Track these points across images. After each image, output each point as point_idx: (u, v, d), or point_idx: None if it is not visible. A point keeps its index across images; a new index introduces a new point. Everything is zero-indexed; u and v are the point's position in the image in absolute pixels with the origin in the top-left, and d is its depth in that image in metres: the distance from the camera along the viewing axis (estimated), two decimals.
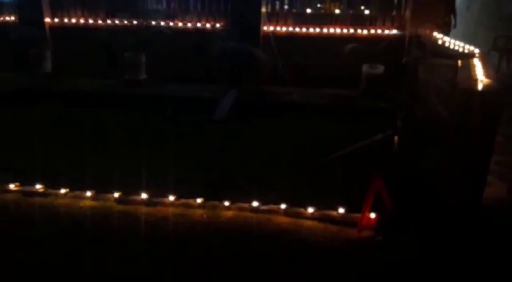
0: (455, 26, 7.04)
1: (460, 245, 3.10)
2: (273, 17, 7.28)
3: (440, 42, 5.73)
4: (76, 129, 5.15)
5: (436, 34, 6.16)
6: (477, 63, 4.16)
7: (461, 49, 5.12)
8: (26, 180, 3.86)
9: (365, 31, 7.03)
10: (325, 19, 7.27)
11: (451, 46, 5.35)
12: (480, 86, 3.44)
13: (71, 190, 3.69)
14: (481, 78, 3.61)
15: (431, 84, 4.18)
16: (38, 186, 3.71)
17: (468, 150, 3.42)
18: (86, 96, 6.19)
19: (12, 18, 7.63)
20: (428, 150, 3.82)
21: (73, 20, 7.49)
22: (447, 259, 3.05)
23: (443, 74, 4.10)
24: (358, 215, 3.31)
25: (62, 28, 7.47)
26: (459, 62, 4.05)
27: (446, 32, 6.46)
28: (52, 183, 3.74)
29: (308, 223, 3.36)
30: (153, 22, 7.34)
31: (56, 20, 7.51)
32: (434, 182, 3.51)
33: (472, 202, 3.42)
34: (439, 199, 3.42)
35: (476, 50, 4.73)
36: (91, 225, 3.44)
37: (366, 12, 7.39)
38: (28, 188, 3.74)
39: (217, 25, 7.29)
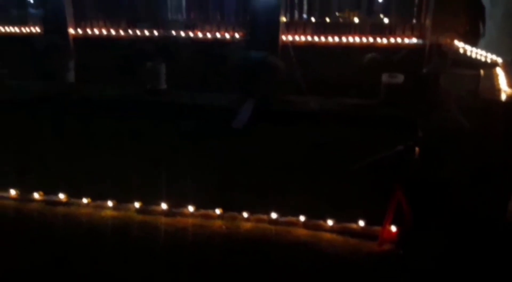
0: (483, 35, 6.86)
1: (483, 261, 3.02)
2: (292, 27, 7.31)
3: (461, 51, 5.66)
4: (99, 137, 5.27)
5: (457, 42, 6.07)
6: (500, 72, 4.09)
7: (483, 59, 5.05)
8: (50, 188, 3.94)
9: (384, 40, 6.98)
10: (344, 28, 7.26)
11: (473, 56, 5.27)
12: (503, 97, 3.38)
13: (93, 199, 3.75)
14: (504, 88, 3.55)
15: (452, 94, 4.12)
16: (61, 196, 3.78)
17: (490, 161, 3.35)
18: (109, 104, 6.35)
19: (37, 29, 7.86)
20: (449, 160, 3.75)
21: (96, 31, 7.67)
22: (469, 275, 2.98)
23: (465, 84, 4.04)
24: (378, 228, 3.27)
25: (85, 38, 7.67)
26: (481, 72, 3.99)
27: (474, 42, 6.25)
28: (75, 192, 3.81)
29: (328, 235, 3.33)
30: (173, 32, 7.46)
31: (79, 31, 7.71)
32: (456, 193, 3.44)
33: (496, 215, 3.34)
34: (461, 211, 3.35)
35: (499, 60, 4.65)
36: (111, 234, 3.49)
37: (386, 20, 7.35)
38: (51, 198, 3.82)
39: (236, 35, 7.36)
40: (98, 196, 3.77)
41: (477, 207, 3.34)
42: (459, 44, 5.98)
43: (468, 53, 5.44)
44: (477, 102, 3.60)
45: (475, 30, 6.51)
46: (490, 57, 4.95)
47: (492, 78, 3.92)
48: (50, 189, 3.91)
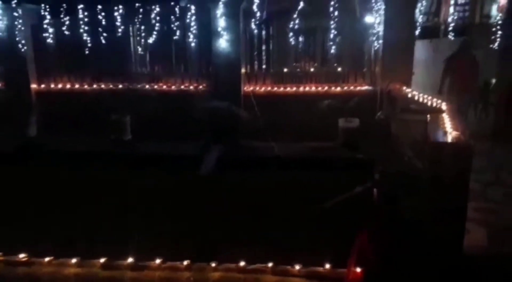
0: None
1: None
2: (253, 78, 7.68)
3: (409, 96, 6.11)
4: (63, 190, 5.16)
5: (405, 88, 6.56)
6: (446, 116, 4.45)
7: (429, 103, 5.48)
8: (10, 247, 3.81)
9: (338, 88, 7.44)
10: (301, 77, 7.70)
11: (421, 100, 5.71)
12: (450, 139, 3.67)
13: (56, 257, 3.65)
14: (449, 131, 3.87)
15: (404, 138, 4.42)
16: (22, 255, 3.67)
17: (444, 200, 3.58)
18: (73, 156, 6.29)
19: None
20: (406, 201, 3.97)
21: (60, 86, 7.71)
22: None
23: (413, 128, 4.36)
24: (344, 270, 3.37)
25: (49, 93, 7.67)
26: (428, 116, 4.33)
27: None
28: (36, 250, 3.70)
29: (296, 280, 3.40)
30: (138, 85, 7.62)
31: (42, 86, 7.72)
32: (414, 232, 3.63)
33: (453, 251, 3.53)
34: (421, 249, 3.52)
35: (443, 105, 5.06)
36: None
37: (339, 69, 7.87)
38: (11, 258, 3.69)
39: (200, 86, 7.62)
40: (62, 253, 3.68)
41: (436, 244, 3.52)
42: (407, 90, 6.47)
43: (416, 99, 5.88)
44: (427, 145, 3.87)
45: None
46: (436, 102, 5.37)
47: (438, 123, 4.24)
48: (9, 249, 3.78)
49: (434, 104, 5.31)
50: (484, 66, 8.75)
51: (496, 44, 7.69)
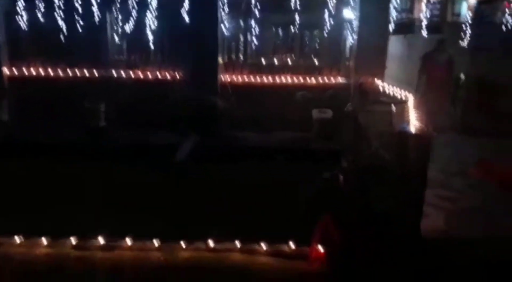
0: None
1: (399, 274, 3.35)
2: (230, 68, 7.76)
3: (381, 89, 6.33)
4: (36, 180, 5.16)
5: (377, 81, 6.78)
6: (410, 108, 4.66)
7: (398, 96, 5.69)
8: None
9: (314, 80, 7.61)
10: (278, 69, 7.83)
11: (390, 93, 5.92)
12: (413, 129, 3.86)
13: (26, 238, 3.69)
14: (413, 122, 4.06)
15: (371, 129, 4.61)
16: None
17: (405, 186, 3.77)
18: (46, 144, 6.26)
19: None
20: (371, 187, 4.16)
21: (33, 72, 7.61)
22: None
23: (380, 119, 4.55)
24: (308, 249, 3.52)
25: (22, 79, 7.56)
26: (393, 108, 4.53)
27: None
28: (6, 232, 3.73)
29: (262, 258, 3.54)
30: (114, 73, 7.58)
31: (15, 72, 7.61)
32: (376, 215, 3.82)
33: (411, 233, 3.73)
34: (382, 231, 3.71)
35: (410, 96, 5.28)
36: (47, 272, 3.44)
37: (316, 62, 8.05)
38: None
39: (177, 75, 7.65)
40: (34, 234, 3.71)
41: (397, 226, 3.71)
42: (379, 83, 6.69)
43: (386, 91, 6.10)
44: (392, 135, 4.05)
45: None
46: (404, 94, 5.59)
47: (403, 114, 4.44)
48: None
49: (401, 97, 5.53)
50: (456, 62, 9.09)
51: (466, 42, 7.98)
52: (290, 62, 8.03)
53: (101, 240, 3.67)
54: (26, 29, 7.75)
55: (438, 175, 5.17)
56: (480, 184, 5.06)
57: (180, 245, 3.65)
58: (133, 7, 7.66)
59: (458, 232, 4.06)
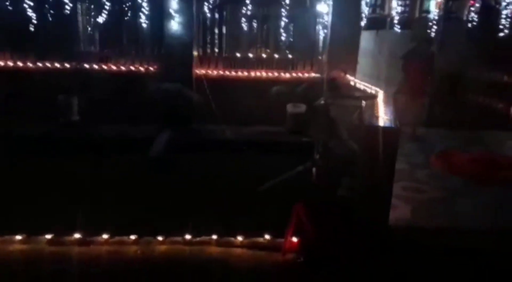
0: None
1: (369, 263, 3.54)
2: (205, 61, 7.77)
3: (352, 84, 6.50)
4: (7, 174, 5.09)
5: (349, 76, 6.96)
6: (379, 102, 4.84)
7: (368, 90, 5.88)
8: None
9: (288, 75, 7.73)
10: (252, 63, 7.90)
11: (360, 88, 6.11)
12: (380, 123, 4.02)
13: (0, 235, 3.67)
14: (382, 116, 4.23)
15: (341, 122, 4.78)
16: None
17: (374, 177, 3.94)
18: (19, 137, 6.15)
19: None
20: (341, 179, 4.33)
21: (1, 63, 7.40)
22: (359, 275, 3.48)
23: (350, 113, 4.72)
24: (282, 240, 3.66)
25: None
26: (363, 102, 4.70)
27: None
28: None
29: (238, 250, 3.65)
30: (87, 65, 7.47)
31: None
32: (347, 206, 3.99)
33: (380, 223, 3.92)
34: (352, 221, 3.88)
35: (380, 91, 5.47)
36: (22, 269, 3.44)
37: (290, 56, 8.15)
38: None
39: (151, 68, 7.60)
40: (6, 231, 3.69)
41: (365, 218, 3.88)
42: (350, 78, 6.86)
43: (357, 86, 6.28)
44: (361, 129, 4.20)
45: None
46: (373, 89, 5.78)
47: (372, 108, 4.61)
48: None
49: (371, 91, 5.72)
50: None
51: (434, 37, 8.27)
52: (264, 56, 8.09)
53: (76, 235, 3.68)
54: None
55: (403, 166, 5.42)
56: (442, 174, 5.34)
57: (157, 238, 3.71)
58: None
59: (422, 222, 4.27)
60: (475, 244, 3.81)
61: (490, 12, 7.90)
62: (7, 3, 7.43)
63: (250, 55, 8.10)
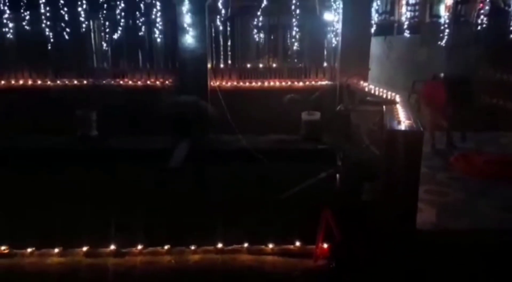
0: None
1: (399, 266, 3.58)
2: (219, 73, 7.89)
3: (367, 90, 6.57)
4: (34, 187, 5.20)
5: (362, 82, 7.04)
6: (399, 107, 4.89)
7: (385, 96, 5.95)
8: None
9: (301, 83, 7.82)
10: (265, 73, 8.01)
11: (376, 93, 6.17)
12: (403, 127, 4.07)
13: (37, 248, 3.75)
14: (403, 120, 4.28)
15: (362, 127, 4.84)
16: (3, 247, 3.73)
17: (399, 182, 3.98)
18: (39, 154, 6.26)
19: None
20: (365, 184, 4.37)
21: (21, 81, 7.57)
22: (389, 278, 3.52)
23: (371, 118, 4.78)
24: (313, 247, 3.71)
25: (9, 89, 7.51)
26: (384, 107, 4.76)
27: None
28: (18, 243, 3.78)
29: (270, 258, 3.70)
30: (103, 81, 7.61)
31: (2, 82, 7.55)
32: (373, 211, 4.03)
33: (407, 227, 3.95)
34: (379, 226, 3.92)
35: (398, 97, 5.53)
36: (59, 280, 3.51)
37: (301, 65, 8.26)
38: None
39: (166, 82, 7.73)
40: (43, 245, 3.77)
41: (392, 222, 3.92)
42: (364, 84, 6.94)
43: (372, 92, 6.34)
44: (383, 133, 4.25)
45: None
46: (390, 94, 5.84)
47: (392, 113, 4.66)
48: None
49: (389, 97, 5.78)
50: (432, 61, 9.46)
51: (444, 41, 8.35)
52: (277, 66, 8.20)
53: (112, 247, 3.75)
54: (12, 38, 7.68)
55: (424, 170, 5.44)
56: (462, 176, 5.36)
57: (189, 248, 3.77)
58: (121, 15, 7.68)
59: (448, 224, 4.29)
60: (499, 243, 3.83)
61: (499, 14, 7.98)
62: (25, 24, 7.62)
63: (262, 65, 8.22)
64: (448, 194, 4.94)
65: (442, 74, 7.84)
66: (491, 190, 4.94)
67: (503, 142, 6.88)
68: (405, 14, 7.85)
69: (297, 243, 3.83)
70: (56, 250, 3.71)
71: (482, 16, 7.84)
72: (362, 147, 4.84)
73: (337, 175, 4.62)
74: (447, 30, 8.16)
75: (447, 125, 6.64)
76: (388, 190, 4.05)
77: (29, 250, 3.71)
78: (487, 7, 7.81)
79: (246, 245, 3.78)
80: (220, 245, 3.78)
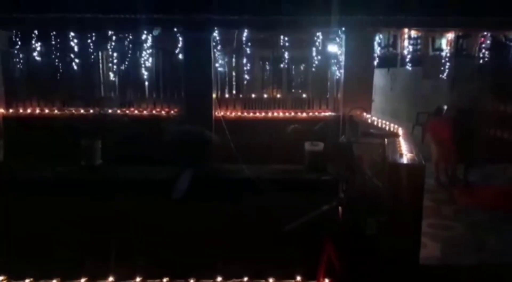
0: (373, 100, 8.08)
1: None
2: (223, 103, 7.99)
3: (369, 121, 6.61)
4: (36, 217, 5.19)
5: (365, 114, 7.08)
6: (401, 140, 4.91)
7: (387, 128, 5.97)
8: None
9: (304, 114, 7.89)
10: (269, 103, 8.11)
11: (379, 125, 6.20)
12: (405, 160, 4.07)
13: (36, 279, 3.71)
14: (405, 153, 4.28)
15: (365, 159, 4.83)
16: (1, 278, 3.70)
17: (402, 215, 3.94)
18: (43, 183, 6.28)
19: None
20: (368, 217, 4.32)
21: (29, 110, 7.70)
22: None
23: (374, 150, 4.78)
24: (314, 281, 3.64)
25: (18, 117, 7.64)
26: (386, 140, 4.77)
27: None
28: (17, 273, 3.75)
29: None
30: (109, 110, 7.73)
31: (11, 110, 7.69)
32: (376, 245, 3.97)
33: (411, 262, 3.88)
34: (382, 260, 3.85)
35: (400, 129, 5.55)
36: None
37: (304, 96, 8.35)
38: None
39: (172, 111, 7.83)
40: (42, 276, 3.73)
41: (395, 257, 3.86)
42: (367, 116, 6.98)
43: (375, 123, 6.37)
44: (386, 166, 4.26)
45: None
46: (393, 126, 5.87)
47: (395, 145, 4.67)
48: None
49: (391, 129, 5.80)
50: (436, 93, 9.55)
51: (445, 74, 8.45)
52: (281, 96, 8.31)
53: (110, 279, 3.71)
54: (22, 68, 7.88)
55: (428, 203, 5.39)
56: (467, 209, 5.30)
57: (188, 281, 3.72)
58: (128, 47, 7.89)
59: (452, 259, 4.22)
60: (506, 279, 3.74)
61: (501, 47, 8.11)
62: (34, 54, 7.83)
63: (266, 95, 8.32)
64: (453, 227, 4.88)
65: (445, 106, 7.92)
66: (498, 224, 4.87)
67: (509, 174, 6.83)
68: (407, 47, 8.00)
69: (298, 278, 3.76)
70: (55, 281, 3.67)
71: (483, 50, 7.96)
72: (365, 179, 4.80)
73: (340, 207, 4.57)
74: (448, 63, 8.28)
75: (452, 159, 6.63)
76: (391, 224, 4.01)
77: (27, 280, 3.67)
78: (488, 41, 7.93)
79: (246, 279, 3.72)
80: (219, 279, 3.72)
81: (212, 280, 3.72)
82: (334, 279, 3.65)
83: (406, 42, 8.04)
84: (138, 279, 3.73)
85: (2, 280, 3.70)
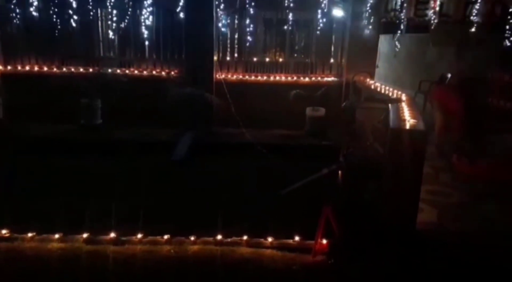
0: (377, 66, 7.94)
1: (397, 266, 3.56)
2: (224, 65, 7.87)
3: (373, 87, 6.54)
4: (36, 175, 5.22)
5: (369, 80, 7.00)
6: (404, 106, 4.86)
7: (390, 94, 5.92)
8: None
9: (307, 78, 7.78)
10: (271, 67, 7.99)
11: (382, 91, 6.14)
12: (407, 126, 4.05)
13: (38, 233, 3.77)
14: (408, 119, 4.26)
15: (367, 125, 4.81)
16: (4, 231, 3.76)
17: (401, 181, 3.96)
18: (41, 142, 6.27)
19: None
20: (367, 182, 4.35)
21: (27, 67, 7.58)
22: (387, 278, 3.51)
23: (376, 116, 4.75)
24: (312, 242, 3.70)
25: (16, 75, 7.52)
26: (389, 105, 4.73)
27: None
28: (18, 228, 3.80)
29: (268, 251, 3.70)
30: (109, 70, 7.61)
31: (9, 67, 7.57)
32: (374, 210, 4.02)
33: (407, 226, 3.94)
34: (379, 224, 3.91)
35: (403, 95, 5.50)
36: (59, 265, 3.53)
37: (307, 60, 8.21)
38: None
39: (172, 72, 7.71)
40: (44, 231, 3.79)
41: (392, 221, 3.91)
42: (371, 82, 6.90)
43: (378, 89, 6.31)
44: (387, 131, 4.24)
45: None
46: (396, 93, 5.82)
47: (398, 111, 4.64)
48: None
49: (395, 95, 5.75)
50: (441, 61, 9.38)
51: (453, 41, 8.29)
52: (283, 60, 8.17)
53: (112, 235, 3.77)
54: (19, 24, 7.68)
55: (427, 170, 5.42)
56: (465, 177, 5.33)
57: (189, 238, 3.78)
58: (128, 4, 7.66)
59: (448, 225, 4.28)
60: (501, 246, 3.81)
61: (508, 14, 7.92)
62: (32, 10, 7.61)
63: (268, 59, 8.18)
64: (451, 194, 4.92)
65: (449, 75, 7.81)
66: (495, 192, 4.90)
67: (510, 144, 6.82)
68: (414, 13, 7.79)
69: (296, 238, 3.82)
70: (57, 236, 3.73)
71: (491, 17, 7.78)
72: (367, 145, 4.80)
73: (340, 172, 4.59)
74: (456, 30, 8.11)
75: (457, 129, 6.56)
76: (390, 189, 4.04)
77: (29, 234, 3.73)
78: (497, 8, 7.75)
79: (245, 237, 3.78)
80: (219, 237, 3.78)
81: (212, 238, 3.77)
82: (332, 241, 3.71)
83: (413, 7, 7.85)
84: (139, 235, 3.77)
85: (5, 234, 3.75)
